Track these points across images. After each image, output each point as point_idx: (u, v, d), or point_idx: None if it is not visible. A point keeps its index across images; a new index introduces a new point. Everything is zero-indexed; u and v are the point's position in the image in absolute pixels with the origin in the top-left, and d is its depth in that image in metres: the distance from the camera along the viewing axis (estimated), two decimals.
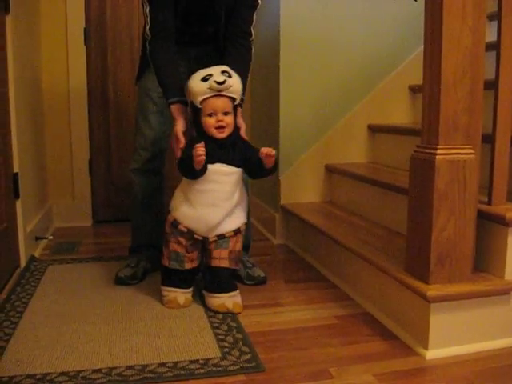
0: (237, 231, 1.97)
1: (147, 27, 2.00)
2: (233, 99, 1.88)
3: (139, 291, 2.15)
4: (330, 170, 2.88)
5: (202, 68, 2.04)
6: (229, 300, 1.95)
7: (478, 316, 1.68)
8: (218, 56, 2.20)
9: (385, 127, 2.84)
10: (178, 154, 1.90)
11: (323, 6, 2.82)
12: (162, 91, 2.01)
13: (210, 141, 1.85)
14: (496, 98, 1.72)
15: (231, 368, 1.54)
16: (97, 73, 3.28)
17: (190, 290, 2.03)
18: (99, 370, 1.51)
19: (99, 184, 3.39)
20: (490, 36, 1.82)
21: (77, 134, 3.26)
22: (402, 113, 3.02)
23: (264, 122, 3.15)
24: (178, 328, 1.80)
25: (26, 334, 1.75)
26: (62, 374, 1.49)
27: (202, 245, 1.99)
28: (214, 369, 1.53)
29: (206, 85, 1.81)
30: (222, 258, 1.96)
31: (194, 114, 1.90)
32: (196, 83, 1.84)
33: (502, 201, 1.75)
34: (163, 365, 1.55)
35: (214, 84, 1.80)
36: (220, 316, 1.90)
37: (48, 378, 1.47)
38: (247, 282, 2.25)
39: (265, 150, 1.85)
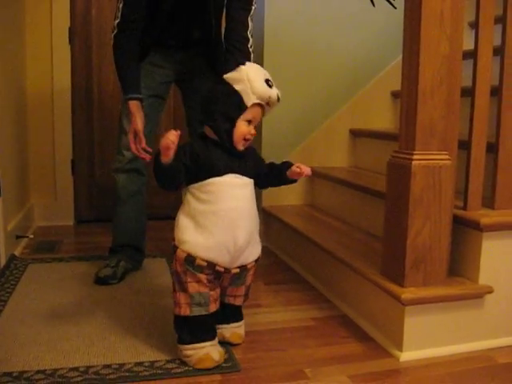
0: (257, 259, 1.68)
1: (116, 21, 2.02)
2: None
3: (118, 291, 2.15)
4: (312, 174, 2.89)
5: (187, 70, 2.03)
6: (228, 330, 1.72)
7: (452, 319, 1.71)
8: (205, 61, 2.22)
9: (366, 132, 2.87)
10: (141, 154, 1.92)
11: (307, 11, 2.85)
12: (121, 85, 2.07)
13: (222, 146, 1.55)
14: (472, 106, 1.75)
15: None
16: (81, 72, 3.28)
17: (217, 339, 1.63)
18: (76, 369, 1.52)
19: (81, 184, 3.38)
20: (469, 44, 1.85)
21: (60, 133, 3.25)
22: (384, 118, 3.05)
23: None
24: (156, 328, 1.81)
25: (4, 332, 1.75)
26: (39, 372, 1.50)
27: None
28: (190, 368, 1.55)
29: (268, 92, 1.52)
30: (237, 296, 1.70)
31: (231, 108, 1.52)
32: (260, 82, 1.51)
33: (477, 206, 1.78)
34: (140, 364, 1.56)
35: (274, 98, 1.53)
36: None
37: (25, 375, 1.47)
38: None
39: (301, 170, 1.64)
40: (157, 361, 1.59)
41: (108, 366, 1.54)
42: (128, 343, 1.70)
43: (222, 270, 1.56)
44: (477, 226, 1.70)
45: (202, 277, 1.54)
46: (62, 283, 2.23)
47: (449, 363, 1.66)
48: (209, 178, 1.52)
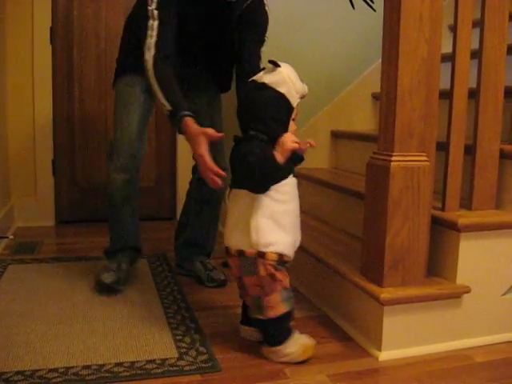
0: None
1: (151, 40, 1.87)
2: None
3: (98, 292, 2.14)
4: (293, 175, 2.90)
5: (187, 86, 2.04)
6: None
7: (430, 319, 1.73)
8: (209, 76, 2.22)
9: (347, 133, 2.89)
10: (217, 182, 1.64)
11: (289, 14, 2.86)
12: (169, 109, 1.82)
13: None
14: (450, 108, 1.77)
15: (187, 368, 1.56)
16: (62, 72, 3.27)
17: None
18: (55, 370, 1.52)
19: (62, 184, 3.36)
20: (448, 47, 1.87)
21: (41, 133, 3.23)
22: (364, 120, 3.08)
23: (228, 127, 3.16)
24: (136, 328, 1.81)
25: None
26: (18, 373, 1.49)
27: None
28: (171, 369, 1.55)
29: (304, 88, 1.60)
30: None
31: (282, 111, 1.57)
32: (298, 81, 1.58)
33: (455, 207, 1.81)
34: (120, 364, 1.56)
35: (306, 91, 1.62)
36: (179, 317, 1.92)
37: (3, 377, 1.46)
38: (208, 284, 2.27)
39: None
40: (137, 361, 1.59)
41: (88, 367, 1.54)
42: (108, 344, 1.69)
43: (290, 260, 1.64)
44: (454, 227, 1.72)
45: (286, 272, 1.61)
46: (41, 284, 2.21)
47: (427, 362, 1.68)
48: (283, 179, 1.57)
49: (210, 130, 1.72)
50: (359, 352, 1.72)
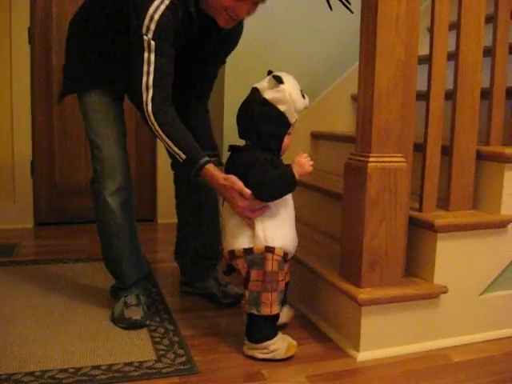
0: None
1: (148, 77, 1.67)
2: None
3: (77, 295, 2.13)
4: None
5: None
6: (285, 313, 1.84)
7: (408, 319, 1.74)
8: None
9: (326, 135, 2.90)
10: (252, 214, 1.62)
11: (270, 16, 2.86)
12: (183, 158, 1.68)
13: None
14: (427, 109, 1.78)
15: (165, 370, 1.55)
16: (41, 73, 3.24)
17: None
18: (31, 373, 1.50)
19: (41, 185, 3.33)
20: (424, 49, 1.89)
21: (19, 134, 3.19)
22: (344, 121, 3.09)
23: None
24: (114, 331, 1.80)
25: None
26: None
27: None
28: (148, 371, 1.54)
29: (304, 104, 1.66)
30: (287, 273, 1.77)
31: (280, 128, 1.64)
32: (298, 97, 1.63)
33: (432, 208, 1.82)
34: (97, 367, 1.55)
35: (306, 107, 1.69)
36: (157, 319, 1.91)
37: None
38: (224, 301, 2.09)
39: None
40: (114, 364, 1.57)
41: (64, 370, 1.53)
42: (85, 346, 1.68)
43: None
44: (431, 228, 1.73)
45: (283, 272, 1.67)
46: (19, 287, 2.19)
47: (405, 362, 1.69)
48: None
49: (238, 184, 1.61)
50: (338, 352, 1.73)
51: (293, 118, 1.63)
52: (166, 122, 1.69)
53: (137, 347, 1.69)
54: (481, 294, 1.85)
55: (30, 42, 3.16)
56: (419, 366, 1.67)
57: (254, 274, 1.62)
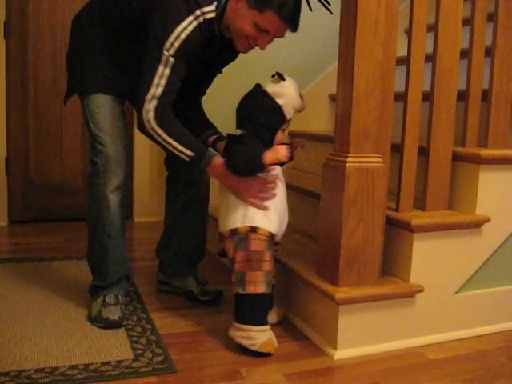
0: None
1: (157, 90, 1.70)
2: None
3: (53, 293, 2.11)
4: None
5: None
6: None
7: (385, 317, 1.76)
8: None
9: (304, 134, 2.91)
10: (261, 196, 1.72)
11: None
12: (190, 155, 1.74)
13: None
14: (405, 110, 1.80)
15: (143, 369, 1.55)
16: (16, 68, 3.19)
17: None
18: (7, 373, 1.49)
19: (16, 183, 3.29)
20: (402, 51, 1.90)
21: None
22: (322, 120, 3.11)
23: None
24: (91, 331, 1.79)
25: None
26: None
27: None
28: (126, 370, 1.54)
29: (302, 105, 1.79)
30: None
31: (275, 120, 1.72)
32: (299, 99, 1.76)
33: (408, 208, 1.84)
34: (74, 367, 1.54)
35: (304, 108, 1.81)
36: (134, 318, 1.90)
37: None
38: (202, 298, 2.09)
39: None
40: (91, 363, 1.56)
41: (41, 370, 1.51)
42: (62, 346, 1.67)
43: (276, 243, 1.78)
44: (408, 227, 1.75)
45: (272, 254, 1.73)
46: None
47: (381, 360, 1.71)
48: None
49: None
50: (315, 351, 1.74)
51: (289, 114, 1.72)
52: (168, 126, 1.75)
53: (114, 347, 1.68)
54: (456, 293, 1.88)
55: (4, 37, 3.12)
56: (395, 364, 1.69)
57: (240, 255, 1.68)
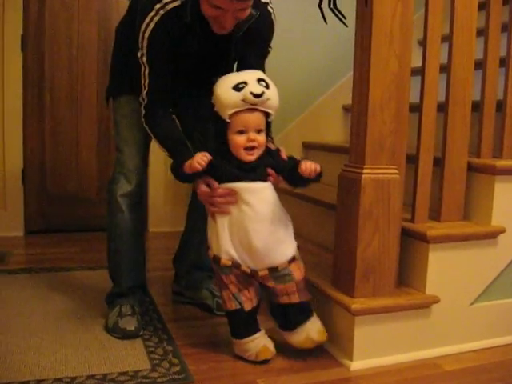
0: (291, 260, 1.68)
1: (144, 91, 1.75)
2: (267, 114, 1.62)
3: (70, 304, 2.13)
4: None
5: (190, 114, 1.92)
6: (312, 330, 1.71)
7: (401, 328, 1.76)
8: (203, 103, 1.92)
9: (318, 145, 2.92)
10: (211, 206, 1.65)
11: None
12: (173, 158, 1.74)
13: (233, 160, 1.61)
14: (420, 121, 1.81)
15: (160, 380, 1.55)
16: (33, 80, 3.23)
17: (263, 331, 1.74)
18: (26, 383, 1.50)
19: (32, 193, 3.32)
20: (417, 62, 1.91)
21: (10, 141, 3.18)
22: (335, 131, 3.12)
23: None
24: (108, 340, 1.80)
25: None
26: None
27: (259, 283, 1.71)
28: (143, 381, 1.54)
29: (239, 96, 1.53)
30: (290, 294, 1.68)
31: (218, 128, 1.61)
32: (226, 92, 1.54)
33: (424, 219, 1.84)
34: (92, 377, 1.55)
35: (249, 96, 1.52)
36: (151, 328, 1.91)
37: None
38: (218, 313, 2.05)
39: (307, 168, 1.63)
40: (109, 373, 1.58)
41: (59, 380, 1.53)
42: (80, 356, 1.68)
43: (249, 271, 1.64)
44: (424, 238, 1.76)
45: (232, 277, 1.65)
46: (11, 296, 2.19)
47: (397, 371, 1.70)
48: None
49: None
50: (331, 362, 1.74)
51: (224, 114, 1.56)
52: (155, 126, 1.78)
53: (131, 357, 1.69)
54: (472, 304, 1.87)
55: (22, 50, 3.16)
56: (411, 375, 1.68)
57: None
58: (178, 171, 1.65)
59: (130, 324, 1.85)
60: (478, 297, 1.88)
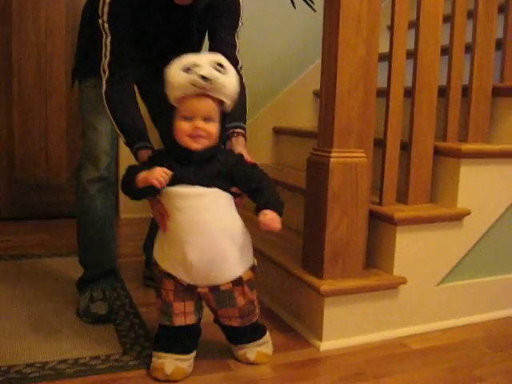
0: (237, 282, 1.48)
1: (105, 60, 1.66)
2: (221, 102, 1.41)
3: (41, 290, 2.12)
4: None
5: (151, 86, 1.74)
6: (251, 352, 1.61)
7: (369, 309, 1.79)
8: None
9: (289, 130, 2.94)
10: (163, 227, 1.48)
11: None
12: (123, 137, 1.65)
13: (178, 151, 1.42)
14: (387, 106, 1.84)
15: (132, 363, 1.57)
16: (1, 67, 3.18)
17: (188, 356, 1.54)
18: None
19: (2, 181, 3.27)
20: (385, 47, 1.94)
21: None
22: (306, 116, 3.14)
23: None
24: (79, 326, 1.80)
25: None
26: None
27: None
28: (115, 364, 1.56)
29: (187, 78, 1.33)
30: (231, 318, 1.55)
31: (168, 112, 1.43)
32: (175, 73, 1.36)
33: (391, 201, 1.88)
34: (64, 361, 1.56)
35: (197, 79, 1.33)
36: (122, 313, 1.92)
37: None
38: None
39: (264, 224, 1.51)
40: (81, 358, 1.58)
41: (31, 365, 1.53)
42: (51, 341, 1.68)
43: (186, 284, 1.47)
44: (391, 220, 1.79)
45: (168, 284, 1.48)
46: None
47: (366, 351, 1.74)
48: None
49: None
50: (301, 343, 1.77)
51: (170, 97, 1.39)
52: (114, 102, 1.66)
53: (103, 341, 1.69)
54: (438, 285, 1.92)
55: None
56: (379, 355, 1.72)
57: None
58: (129, 180, 1.47)
59: (102, 308, 1.85)
60: (444, 277, 1.93)
